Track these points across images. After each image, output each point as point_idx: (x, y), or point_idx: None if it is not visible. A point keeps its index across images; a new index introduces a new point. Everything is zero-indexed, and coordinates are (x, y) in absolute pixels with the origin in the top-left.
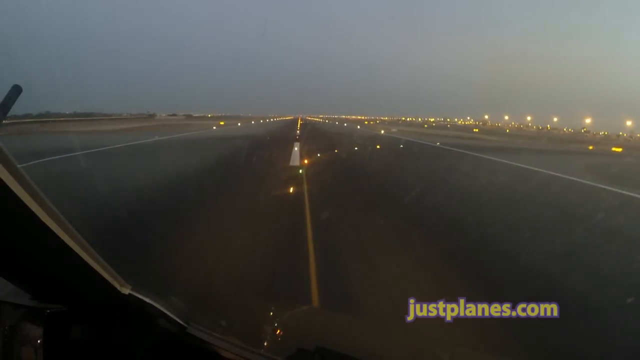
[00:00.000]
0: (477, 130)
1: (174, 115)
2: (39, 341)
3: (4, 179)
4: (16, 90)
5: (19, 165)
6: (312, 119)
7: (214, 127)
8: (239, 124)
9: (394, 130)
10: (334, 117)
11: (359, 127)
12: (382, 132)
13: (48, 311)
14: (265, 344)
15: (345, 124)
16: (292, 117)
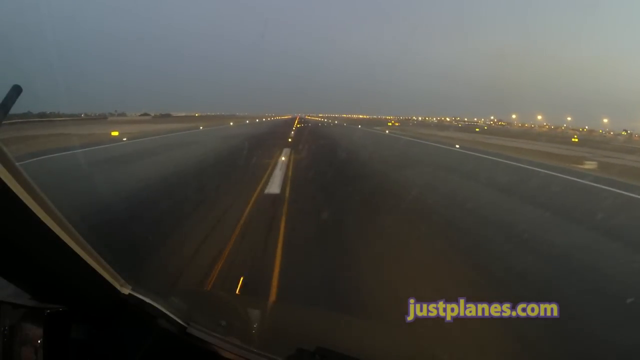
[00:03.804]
0: (576, 139)
1: (146, 114)
2: (39, 341)
3: (4, 179)
4: (16, 91)
5: (19, 165)
6: (312, 118)
7: None
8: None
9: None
10: (335, 116)
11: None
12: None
13: (48, 311)
14: (265, 344)
15: (386, 131)
16: (290, 117)
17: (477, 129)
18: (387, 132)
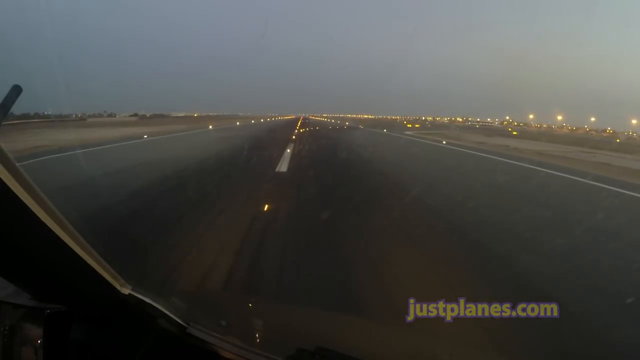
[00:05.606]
0: None
1: (135, 115)
2: (39, 341)
3: (4, 179)
4: (16, 91)
5: (19, 165)
6: (316, 118)
7: None
8: None
9: None
10: (340, 116)
11: None
12: None
13: (48, 311)
14: (265, 344)
15: (443, 142)
16: (293, 117)
17: (514, 132)
18: (444, 142)
